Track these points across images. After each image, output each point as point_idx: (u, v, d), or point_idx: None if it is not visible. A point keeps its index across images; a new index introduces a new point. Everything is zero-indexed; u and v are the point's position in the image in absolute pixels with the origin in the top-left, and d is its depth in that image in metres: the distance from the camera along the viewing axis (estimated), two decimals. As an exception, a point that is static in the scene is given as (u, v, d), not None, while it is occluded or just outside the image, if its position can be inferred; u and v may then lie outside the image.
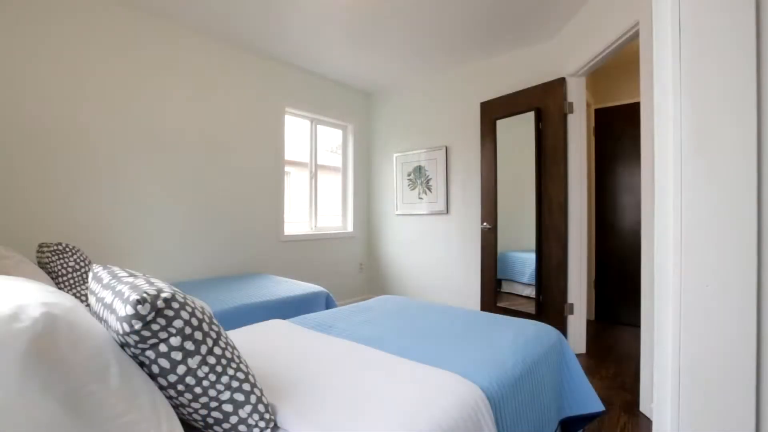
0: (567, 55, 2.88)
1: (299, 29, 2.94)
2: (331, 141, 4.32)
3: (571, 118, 2.86)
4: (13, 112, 2.18)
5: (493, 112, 3.33)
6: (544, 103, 2.96)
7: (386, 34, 3.03)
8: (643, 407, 2.00)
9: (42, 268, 1.84)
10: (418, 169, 4.02)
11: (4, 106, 2.15)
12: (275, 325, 1.73)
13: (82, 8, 2.41)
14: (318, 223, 4.07)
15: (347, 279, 4.26)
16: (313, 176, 4.02)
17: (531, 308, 3.08)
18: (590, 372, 2.48)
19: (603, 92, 3.79)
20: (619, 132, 3.63)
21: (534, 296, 3.06)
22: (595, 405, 1.58)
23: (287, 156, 3.74)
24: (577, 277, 2.85)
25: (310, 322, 1.80)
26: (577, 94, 2.86)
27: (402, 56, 3.47)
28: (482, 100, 3.47)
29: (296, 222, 3.91)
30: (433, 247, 3.92)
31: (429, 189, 3.94)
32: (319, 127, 4.09)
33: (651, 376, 1.95)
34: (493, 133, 3.31)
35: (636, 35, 2.12)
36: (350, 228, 4.35)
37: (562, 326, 2.83)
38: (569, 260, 2.86)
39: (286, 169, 3.75)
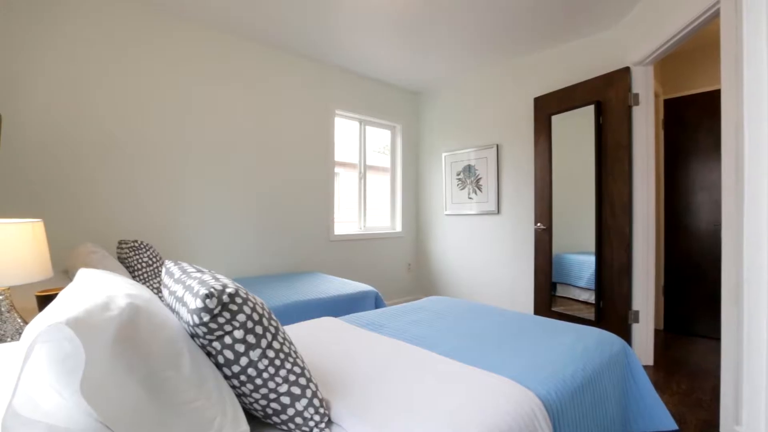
0: (631, 43, 2.67)
1: (348, 32, 3.00)
2: (380, 141, 4.36)
3: (636, 110, 2.65)
4: (97, 129, 2.44)
5: (547, 107, 3.17)
6: (604, 96, 2.77)
7: (434, 33, 3.00)
8: (725, 428, 1.79)
9: (121, 262, 2.04)
10: (468, 169, 3.93)
11: (92, 125, 2.41)
12: (328, 322, 1.78)
13: (146, 25, 2.64)
14: (367, 223, 4.13)
15: (395, 279, 4.28)
16: (362, 177, 4.08)
17: (590, 314, 2.89)
18: (659, 386, 2.28)
19: (673, 81, 3.46)
20: (693, 124, 3.30)
21: (593, 301, 2.87)
22: (667, 422, 1.46)
23: (337, 157, 3.83)
24: (644, 282, 2.63)
25: (361, 321, 1.83)
26: (643, 85, 2.64)
27: (450, 54, 3.41)
28: (535, 96, 3.32)
29: (345, 222, 3.99)
30: (483, 248, 3.82)
31: (479, 188, 3.84)
32: (367, 128, 4.14)
33: (734, 395, 1.75)
34: (547, 130, 3.16)
35: (715, 15, 1.91)
36: (399, 228, 4.36)
37: (625, 335, 2.63)
38: (634, 264, 2.65)
39: (336, 170, 3.84)
